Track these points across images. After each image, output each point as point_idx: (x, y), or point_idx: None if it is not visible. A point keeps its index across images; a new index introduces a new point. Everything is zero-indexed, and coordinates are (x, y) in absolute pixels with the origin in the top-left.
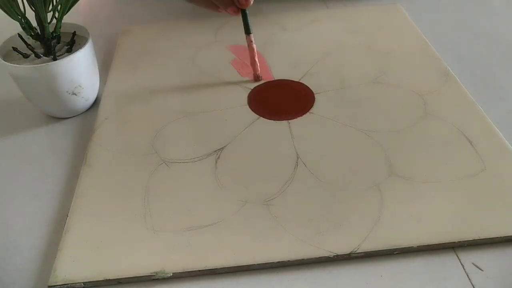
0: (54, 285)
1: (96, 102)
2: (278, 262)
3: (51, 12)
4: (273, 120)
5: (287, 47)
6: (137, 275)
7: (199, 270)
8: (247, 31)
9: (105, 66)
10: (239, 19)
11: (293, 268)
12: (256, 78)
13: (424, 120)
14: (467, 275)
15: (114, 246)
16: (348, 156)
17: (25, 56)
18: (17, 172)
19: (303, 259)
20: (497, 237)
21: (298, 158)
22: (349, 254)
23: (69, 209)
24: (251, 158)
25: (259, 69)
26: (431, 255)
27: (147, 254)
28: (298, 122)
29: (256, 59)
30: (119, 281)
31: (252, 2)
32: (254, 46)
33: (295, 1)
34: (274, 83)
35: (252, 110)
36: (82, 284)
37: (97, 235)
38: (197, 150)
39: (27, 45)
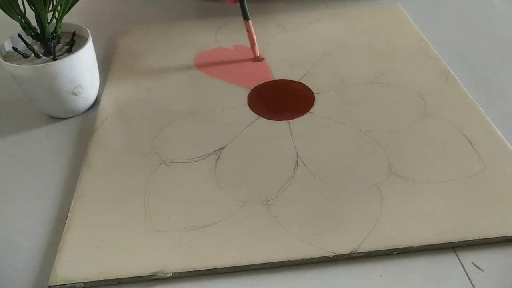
0: (54, 285)
1: (96, 102)
2: (278, 262)
3: (51, 12)
4: (273, 120)
5: (287, 47)
6: (137, 275)
7: (199, 270)
8: (246, 17)
9: (105, 66)
10: (238, 19)
11: (293, 268)
12: (257, 59)
13: (424, 120)
14: (467, 275)
15: (114, 246)
16: (348, 156)
17: (25, 56)
18: (17, 172)
19: (303, 259)
20: (497, 237)
21: (298, 158)
22: (349, 254)
23: (69, 209)
24: (251, 158)
25: (258, 51)
26: (431, 255)
27: (147, 254)
28: (298, 122)
29: (256, 42)
30: (119, 281)
31: None
32: (253, 31)
33: (295, 1)
34: (274, 83)
35: (252, 110)
36: (82, 284)
37: (97, 235)
38: (197, 150)
39: (27, 45)
